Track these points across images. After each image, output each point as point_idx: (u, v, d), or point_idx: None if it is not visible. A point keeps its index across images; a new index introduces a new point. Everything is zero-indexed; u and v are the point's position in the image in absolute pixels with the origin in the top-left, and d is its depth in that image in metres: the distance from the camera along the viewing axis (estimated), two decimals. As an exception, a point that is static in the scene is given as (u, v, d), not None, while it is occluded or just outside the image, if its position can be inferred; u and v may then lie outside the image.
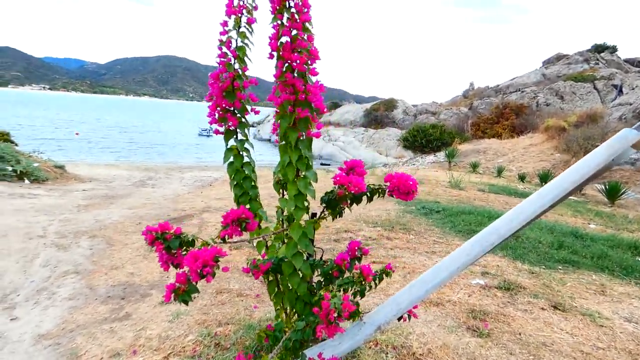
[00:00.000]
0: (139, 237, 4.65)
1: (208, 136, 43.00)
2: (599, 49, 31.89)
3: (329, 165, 23.77)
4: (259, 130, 38.88)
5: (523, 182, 12.68)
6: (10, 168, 8.95)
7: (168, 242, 1.49)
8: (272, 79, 1.56)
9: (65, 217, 5.62)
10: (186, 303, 1.38)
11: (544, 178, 12.19)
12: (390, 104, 33.00)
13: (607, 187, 9.76)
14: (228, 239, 1.60)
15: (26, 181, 8.97)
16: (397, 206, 7.34)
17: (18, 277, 3.50)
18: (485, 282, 3.70)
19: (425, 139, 23.67)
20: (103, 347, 2.30)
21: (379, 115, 32.17)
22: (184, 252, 1.53)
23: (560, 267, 4.31)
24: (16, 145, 12.82)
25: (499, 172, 14.66)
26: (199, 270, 1.34)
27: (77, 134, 33.99)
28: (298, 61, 1.44)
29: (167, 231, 1.51)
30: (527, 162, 15.24)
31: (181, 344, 2.27)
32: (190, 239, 1.56)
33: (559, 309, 3.22)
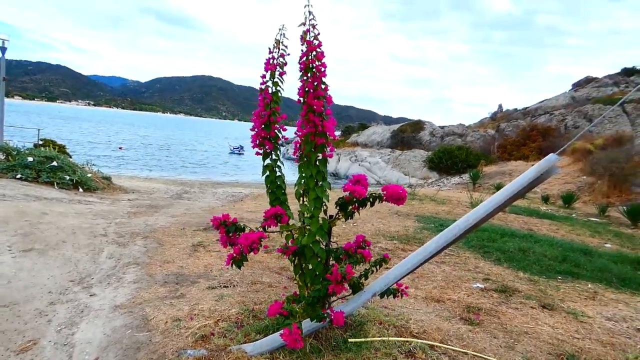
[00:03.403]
0: (184, 239, 5.40)
1: (239, 154, 44.47)
2: (629, 72, 31.45)
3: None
4: (287, 150, 34.34)
5: (546, 203, 12.81)
6: (67, 177, 10.04)
7: (228, 227, 2.17)
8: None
9: (120, 221, 6.48)
10: (239, 267, 2.04)
11: (567, 200, 12.31)
12: (417, 126, 33.43)
13: (628, 209, 9.88)
14: (267, 228, 2.26)
15: (80, 190, 10.03)
16: (417, 224, 7.74)
17: (90, 265, 4.28)
18: (485, 286, 4.17)
19: (451, 160, 23.95)
20: (167, 315, 2.98)
21: (405, 136, 32.63)
22: (237, 235, 2.20)
23: (560, 277, 4.70)
24: (70, 157, 14.16)
25: (523, 193, 14.77)
26: (249, 246, 2.00)
27: (120, 148, 36.15)
28: (316, 105, 2.10)
29: (227, 220, 2.19)
30: (553, 185, 15.31)
31: (227, 314, 2.92)
32: (242, 226, 2.23)
33: (547, 308, 3.67)
